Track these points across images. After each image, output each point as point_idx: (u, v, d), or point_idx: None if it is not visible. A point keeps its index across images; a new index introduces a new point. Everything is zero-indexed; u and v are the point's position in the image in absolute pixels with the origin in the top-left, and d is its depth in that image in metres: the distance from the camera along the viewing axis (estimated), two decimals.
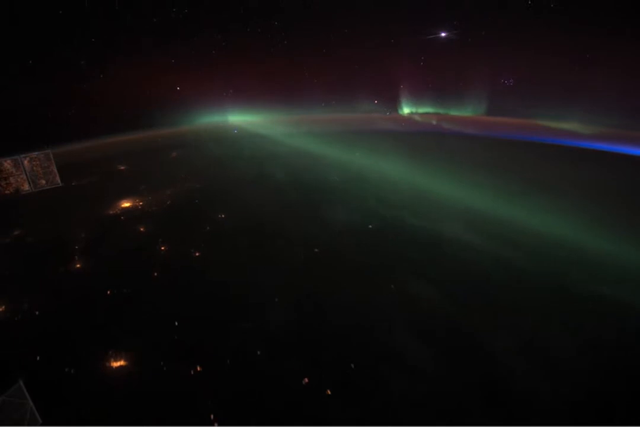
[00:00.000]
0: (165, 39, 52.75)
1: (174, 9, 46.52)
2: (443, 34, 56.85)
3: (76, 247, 32.45)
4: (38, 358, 21.32)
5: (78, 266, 30.11)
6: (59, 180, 13.28)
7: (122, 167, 59.62)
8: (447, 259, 28.65)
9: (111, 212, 39.45)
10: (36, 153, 12.73)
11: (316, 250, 29.74)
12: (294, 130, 67.63)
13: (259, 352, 20.92)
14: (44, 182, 12.97)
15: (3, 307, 25.72)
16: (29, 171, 12.63)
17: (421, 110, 77.09)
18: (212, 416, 17.88)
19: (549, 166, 44.58)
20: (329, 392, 18.81)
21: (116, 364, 20.94)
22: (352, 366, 20.02)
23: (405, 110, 76.57)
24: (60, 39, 45.84)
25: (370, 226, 33.16)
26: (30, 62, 46.13)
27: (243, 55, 63.83)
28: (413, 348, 20.35)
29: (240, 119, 75.10)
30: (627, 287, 24.42)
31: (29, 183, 12.69)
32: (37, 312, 25.09)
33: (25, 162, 12.57)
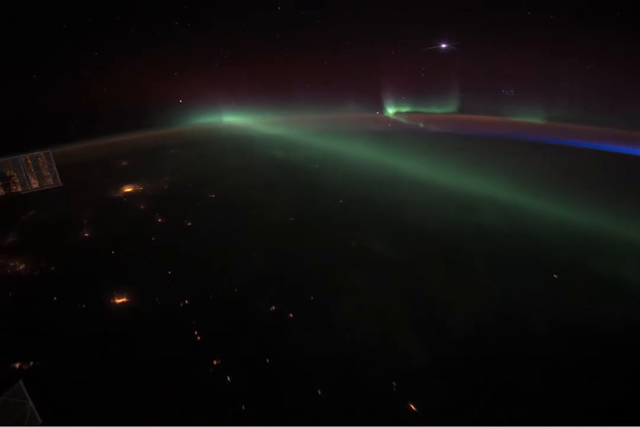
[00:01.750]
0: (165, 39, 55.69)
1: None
2: (443, 45, 60.48)
3: (84, 221, 37.17)
4: (55, 298, 25.96)
5: (86, 234, 34.81)
6: (59, 180, 13.49)
7: (124, 163, 64.67)
8: (405, 226, 33.32)
9: (115, 195, 44.23)
10: (36, 153, 12.88)
11: (291, 219, 34.49)
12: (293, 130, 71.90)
13: (235, 290, 25.54)
14: (44, 182, 13.18)
15: (25, 264, 30.35)
16: (29, 171, 12.82)
17: (404, 109, 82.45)
18: (196, 334, 22.42)
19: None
20: (291, 315, 23.38)
21: (119, 300, 25.52)
22: (312, 297, 24.61)
23: (392, 110, 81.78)
24: (61, 39, 47.57)
25: (340, 201, 37.98)
26: (30, 62, 47.14)
27: (241, 55, 67.75)
28: (362, 282, 25.11)
29: (235, 120, 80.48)
30: None
31: (29, 183, 12.87)
32: (52, 268, 29.76)
33: (25, 162, 12.71)
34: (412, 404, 18.12)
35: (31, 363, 21.06)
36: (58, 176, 13.39)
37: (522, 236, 32.15)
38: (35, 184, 13.03)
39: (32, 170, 12.88)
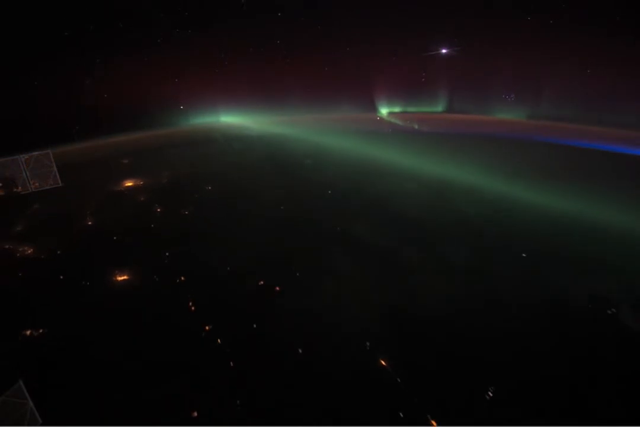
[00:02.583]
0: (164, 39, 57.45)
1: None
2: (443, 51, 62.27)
3: (87, 211, 39.47)
4: (62, 277, 28.16)
5: (90, 223, 37.09)
6: (59, 180, 13.47)
7: (125, 161, 67.15)
8: (387, 212, 35.63)
9: (116, 189, 46.58)
10: (36, 153, 12.82)
11: (282, 207, 36.81)
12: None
13: (228, 268, 27.78)
14: (44, 182, 13.14)
15: (32, 249, 32.58)
16: (29, 171, 12.77)
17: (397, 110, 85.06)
18: (190, 305, 24.59)
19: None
20: (278, 288, 25.58)
21: (121, 278, 27.73)
22: (297, 274, 26.81)
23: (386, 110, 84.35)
24: (61, 40, 47.75)
25: (329, 191, 40.31)
26: (30, 62, 46.98)
27: (239, 57, 70.23)
28: (344, 261, 27.37)
29: (232, 120, 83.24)
30: None
31: (29, 183, 12.83)
32: (58, 251, 31.98)
33: (25, 162, 12.66)
34: (383, 360, 20.25)
35: (41, 330, 23.24)
36: (58, 176, 13.42)
37: (500, 222, 34.46)
38: (35, 184, 13.05)
39: (32, 170, 12.84)
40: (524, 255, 29.14)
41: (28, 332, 23.26)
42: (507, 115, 66.94)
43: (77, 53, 53.25)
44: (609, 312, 24.01)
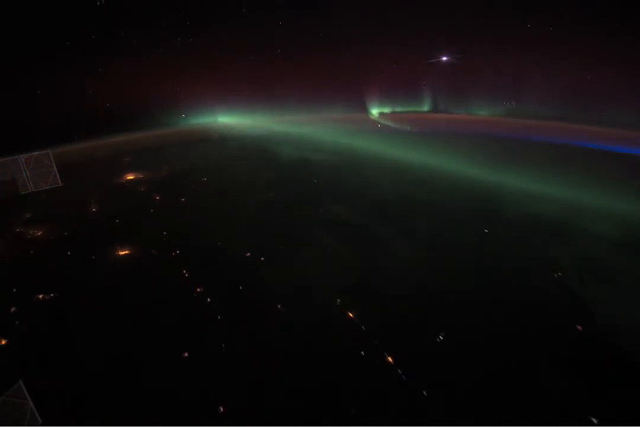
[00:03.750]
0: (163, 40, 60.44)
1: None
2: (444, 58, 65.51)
3: (91, 200, 42.73)
4: (69, 253, 31.32)
5: (94, 209, 40.32)
6: (59, 180, 13.41)
7: (126, 159, 70.61)
8: (365, 196, 39.02)
9: (118, 181, 49.93)
10: (36, 153, 12.74)
11: (271, 194, 40.17)
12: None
13: (219, 243, 30.99)
14: (44, 182, 13.04)
15: (42, 231, 35.76)
16: (29, 171, 12.67)
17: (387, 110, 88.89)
18: (184, 272, 27.73)
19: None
20: (262, 259, 28.77)
21: (121, 252, 30.88)
22: (281, 247, 30.00)
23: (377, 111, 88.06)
24: (61, 41, 50.53)
25: (315, 181, 43.71)
26: (30, 62, 48.62)
27: (238, 59, 73.54)
28: (324, 236, 30.61)
29: (229, 120, 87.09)
30: None
31: (29, 183, 12.72)
32: (65, 233, 35.16)
33: (25, 162, 12.58)
34: (351, 314, 23.35)
35: (51, 295, 26.34)
36: (58, 176, 13.40)
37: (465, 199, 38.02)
38: (35, 184, 13.02)
39: (32, 170, 12.77)
40: (485, 230, 32.43)
41: (41, 296, 26.40)
42: (486, 113, 71.15)
43: (77, 54, 55.14)
44: (555, 276, 27.22)
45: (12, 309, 25.42)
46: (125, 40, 58.41)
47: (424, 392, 18.32)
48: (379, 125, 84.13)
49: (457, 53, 63.34)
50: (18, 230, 37.12)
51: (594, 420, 16.80)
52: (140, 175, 52.66)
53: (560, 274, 27.05)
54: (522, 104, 68.13)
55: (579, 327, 22.09)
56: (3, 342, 22.73)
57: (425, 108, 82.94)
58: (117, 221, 36.47)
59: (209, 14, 60.74)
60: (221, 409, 17.75)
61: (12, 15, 44.65)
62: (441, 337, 21.55)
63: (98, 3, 48.22)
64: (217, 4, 59.45)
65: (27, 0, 45.27)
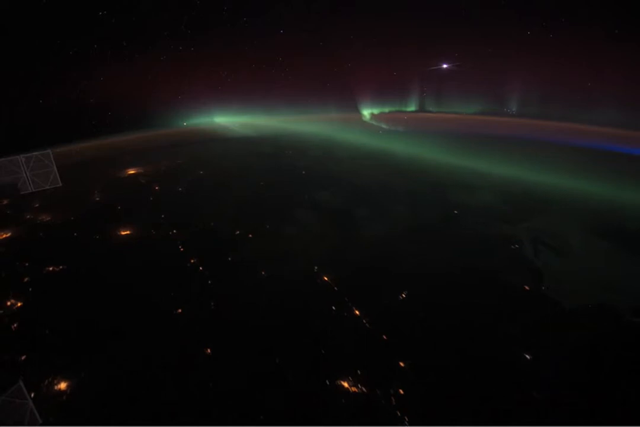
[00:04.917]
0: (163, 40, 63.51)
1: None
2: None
3: (95, 191, 45.97)
4: (75, 234, 34.41)
5: (98, 198, 43.52)
6: (59, 181, 13.31)
7: (127, 157, 73.93)
8: (347, 184, 42.17)
9: (119, 175, 53.22)
10: (36, 153, 12.72)
11: (261, 183, 43.36)
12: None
13: (212, 224, 34.08)
14: (44, 182, 12.98)
15: (51, 217, 38.90)
16: (29, 171, 12.63)
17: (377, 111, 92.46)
18: (180, 247, 30.77)
19: None
20: (250, 235, 31.83)
21: (123, 233, 33.97)
22: (267, 226, 33.10)
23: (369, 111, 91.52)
24: (61, 41, 53.01)
25: (303, 172, 46.96)
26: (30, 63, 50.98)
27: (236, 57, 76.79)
28: (307, 218, 33.75)
29: (226, 121, 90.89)
30: None
31: (29, 183, 12.66)
32: (72, 218, 38.29)
33: (25, 162, 12.54)
34: (325, 276, 26.31)
35: (61, 267, 29.36)
36: (58, 176, 13.31)
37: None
38: (35, 184, 12.91)
39: (32, 170, 12.71)
40: (455, 211, 35.54)
41: (51, 268, 29.43)
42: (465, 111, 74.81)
43: (77, 54, 58.73)
44: (513, 247, 30.23)
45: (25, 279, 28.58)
46: (125, 47, 61.07)
47: (384, 336, 21.27)
48: (380, 132, 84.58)
49: (456, 62, 67.15)
50: (28, 216, 40.34)
51: (527, 356, 19.78)
52: (141, 170, 55.98)
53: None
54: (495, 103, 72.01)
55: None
56: (19, 304, 25.83)
57: (412, 108, 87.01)
58: (118, 207, 39.66)
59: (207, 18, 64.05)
60: (208, 351, 20.71)
61: (12, 15, 46.48)
62: (404, 295, 24.54)
63: (100, 13, 51.95)
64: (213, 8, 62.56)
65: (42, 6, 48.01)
